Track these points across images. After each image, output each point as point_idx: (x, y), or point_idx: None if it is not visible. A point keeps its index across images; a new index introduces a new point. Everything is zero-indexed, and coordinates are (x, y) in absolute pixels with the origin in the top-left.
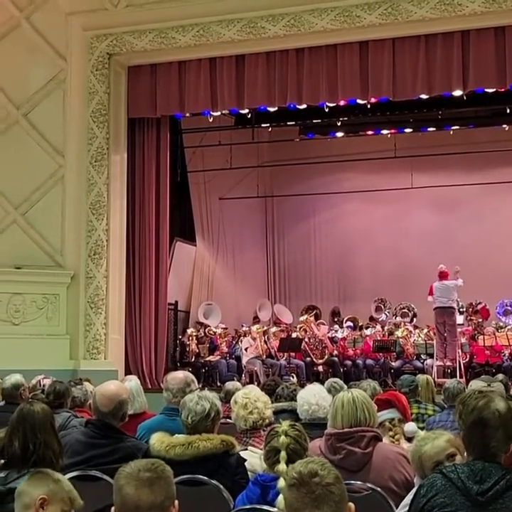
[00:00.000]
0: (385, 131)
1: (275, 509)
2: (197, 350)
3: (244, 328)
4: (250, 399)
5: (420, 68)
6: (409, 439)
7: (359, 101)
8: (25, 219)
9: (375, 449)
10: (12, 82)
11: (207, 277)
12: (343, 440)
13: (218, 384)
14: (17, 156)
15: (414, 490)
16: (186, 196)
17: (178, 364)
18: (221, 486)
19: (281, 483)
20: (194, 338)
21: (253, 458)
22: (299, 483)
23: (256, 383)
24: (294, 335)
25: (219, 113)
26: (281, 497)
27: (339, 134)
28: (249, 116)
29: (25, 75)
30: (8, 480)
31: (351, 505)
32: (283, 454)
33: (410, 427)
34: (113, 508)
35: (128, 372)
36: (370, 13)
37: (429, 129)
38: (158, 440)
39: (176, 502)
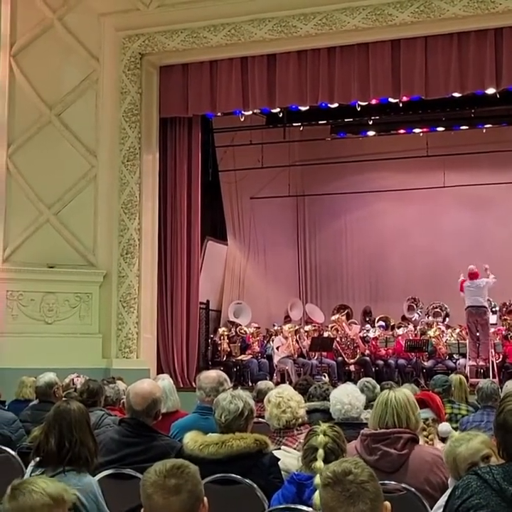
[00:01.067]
0: (417, 130)
1: (310, 509)
2: (228, 350)
3: (275, 328)
4: (283, 398)
5: (453, 66)
6: (443, 440)
7: (391, 100)
8: (58, 218)
9: (412, 451)
10: (45, 83)
11: (238, 276)
12: (378, 441)
13: (249, 383)
14: (50, 156)
15: (448, 491)
16: (217, 195)
17: (210, 363)
18: (255, 485)
19: (317, 480)
20: (226, 337)
21: (286, 457)
22: (333, 482)
23: (287, 382)
24: (325, 334)
25: (250, 112)
26: (317, 494)
27: (371, 133)
28: (280, 115)
29: (58, 76)
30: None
31: (387, 503)
32: (320, 451)
33: (445, 427)
34: (142, 510)
35: (160, 371)
36: (402, 11)
37: (461, 128)
38: (191, 439)
39: (205, 499)
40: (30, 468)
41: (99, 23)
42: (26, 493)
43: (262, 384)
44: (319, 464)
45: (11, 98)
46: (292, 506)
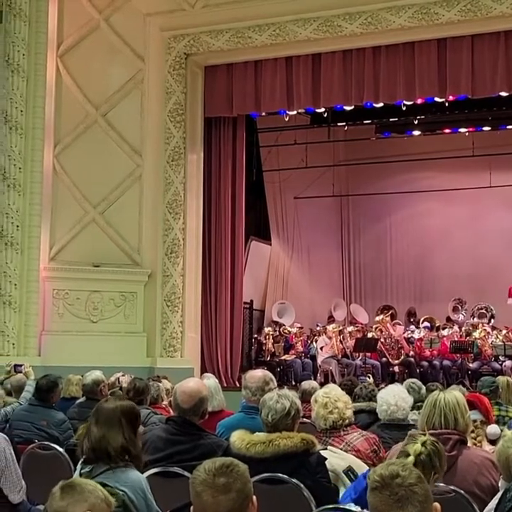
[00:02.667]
0: (462, 130)
1: (358, 508)
2: (273, 349)
3: (318, 328)
4: (331, 398)
5: (500, 65)
6: (491, 442)
7: (437, 99)
8: (103, 218)
9: (461, 453)
10: (91, 83)
11: (282, 276)
12: None
13: (293, 383)
14: (96, 156)
15: (499, 494)
16: (261, 195)
17: (253, 363)
18: (301, 485)
19: None
20: (270, 336)
21: (333, 457)
22: (381, 485)
23: (331, 383)
24: (369, 335)
25: (295, 112)
26: None
27: (416, 133)
28: (325, 115)
29: (104, 76)
30: (93, 474)
31: (437, 505)
32: (411, 458)
33: (493, 429)
34: (192, 508)
35: (204, 370)
36: (448, 9)
37: (507, 127)
38: (238, 438)
39: (254, 498)
40: (79, 465)
41: (144, 23)
42: (75, 491)
43: (306, 384)
44: None
45: (57, 98)
46: (341, 506)
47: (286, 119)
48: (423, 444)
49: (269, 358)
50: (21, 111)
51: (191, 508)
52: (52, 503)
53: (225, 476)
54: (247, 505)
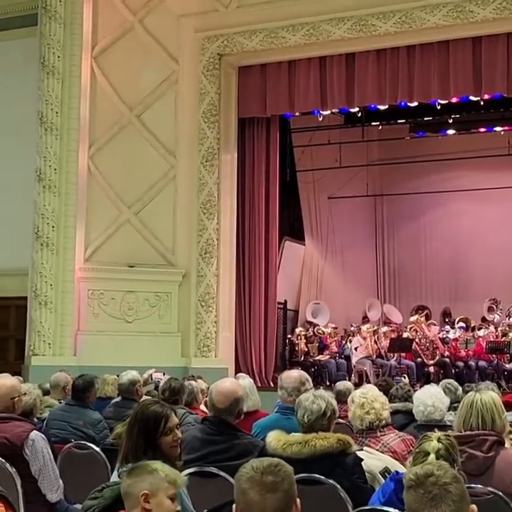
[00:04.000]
0: (498, 128)
1: (394, 510)
2: (306, 350)
3: (352, 328)
4: (367, 399)
5: None
6: None
7: (472, 97)
8: (138, 218)
9: (498, 454)
10: (125, 84)
11: (316, 276)
12: (464, 443)
13: (327, 383)
14: (130, 157)
15: None
16: (295, 195)
17: (287, 363)
18: (338, 486)
19: None
20: (303, 337)
21: (369, 458)
22: (415, 484)
23: (365, 383)
24: (404, 335)
25: (328, 112)
26: None
27: (451, 132)
28: (359, 114)
29: (138, 77)
30: None
31: (474, 507)
32: (432, 456)
33: None
34: (234, 506)
35: (238, 370)
36: (483, 7)
37: None
38: (274, 438)
39: (298, 500)
40: (117, 464)
41: (178, 24)
42: (137, 473)
43: (340, 385)
44: None
45: (92, 100)
46: (378, 507)
47: (320, 119)
48: (438, 440)
49: (302, 359)
50: (56, 112)
51: (233, 506)
52: (122, 484)
53: (272, 474)
54: (291, 506)
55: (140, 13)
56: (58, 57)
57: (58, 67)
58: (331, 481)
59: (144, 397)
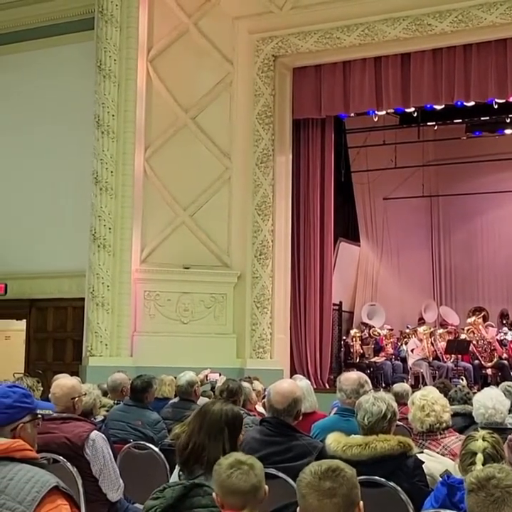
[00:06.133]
0: None
1: None
2: (361, 351)
3: (408, 330)
4: (428, 401)
5: None
6: None
7: None
8: (193, 220)
9: None
10: (181, 87)
11: (371, 278)
12: None
13: (383, 385)
14: (185, 159)
15: None
16: (350, 196)
17: (343, 365)
18: (399, 489)
19: None
20: (358, 338)
21: (430, 461)
22: (477, 487)
23: (422, 385)
24: (461, 337)
25: (384, 112)
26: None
27: (508, 131)
28: (414, 114)
29: (194, 79)
30: (190, 477)
31: None
32: (479, 456)
33: None
34: (298, 509)
35: (293, 371)
36: None
37: None
38: (334, 440)
39: (361, 503)
40: (177, 466)
41: (233, 26)
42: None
43: (398, 387)
44: (478, 467)
45: (148, 102)
46: (441, 511)
47: (375, 120)
48: (483, 439)
49: (358, 360)
50: (113, 115)
51: (297, 509)
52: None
53: (330, 480)
54: (352, 511)
55: (195, 15)
56: (114, 60)
57: (114, 70)
58: (391, 484)
59: (209, 400)
